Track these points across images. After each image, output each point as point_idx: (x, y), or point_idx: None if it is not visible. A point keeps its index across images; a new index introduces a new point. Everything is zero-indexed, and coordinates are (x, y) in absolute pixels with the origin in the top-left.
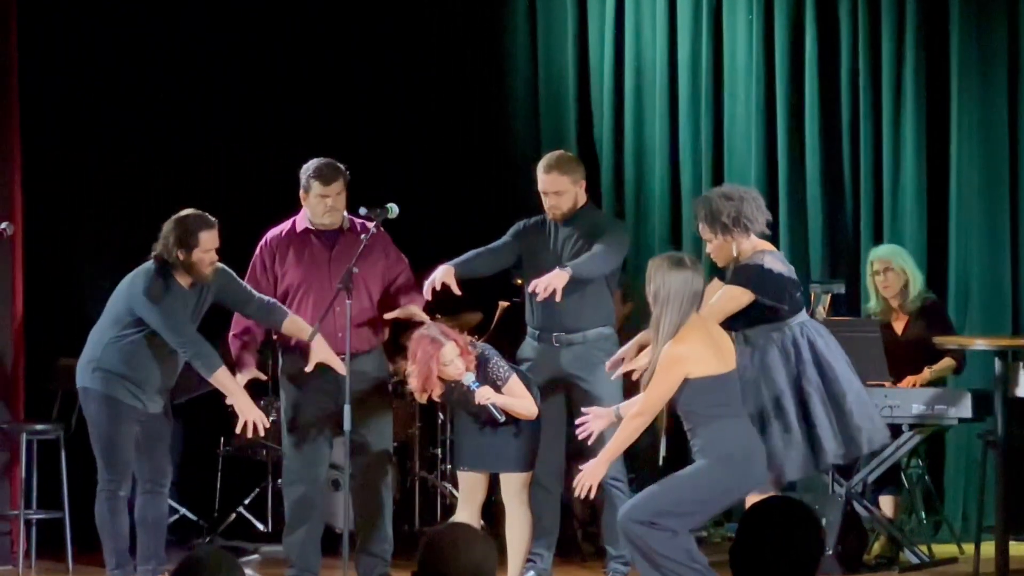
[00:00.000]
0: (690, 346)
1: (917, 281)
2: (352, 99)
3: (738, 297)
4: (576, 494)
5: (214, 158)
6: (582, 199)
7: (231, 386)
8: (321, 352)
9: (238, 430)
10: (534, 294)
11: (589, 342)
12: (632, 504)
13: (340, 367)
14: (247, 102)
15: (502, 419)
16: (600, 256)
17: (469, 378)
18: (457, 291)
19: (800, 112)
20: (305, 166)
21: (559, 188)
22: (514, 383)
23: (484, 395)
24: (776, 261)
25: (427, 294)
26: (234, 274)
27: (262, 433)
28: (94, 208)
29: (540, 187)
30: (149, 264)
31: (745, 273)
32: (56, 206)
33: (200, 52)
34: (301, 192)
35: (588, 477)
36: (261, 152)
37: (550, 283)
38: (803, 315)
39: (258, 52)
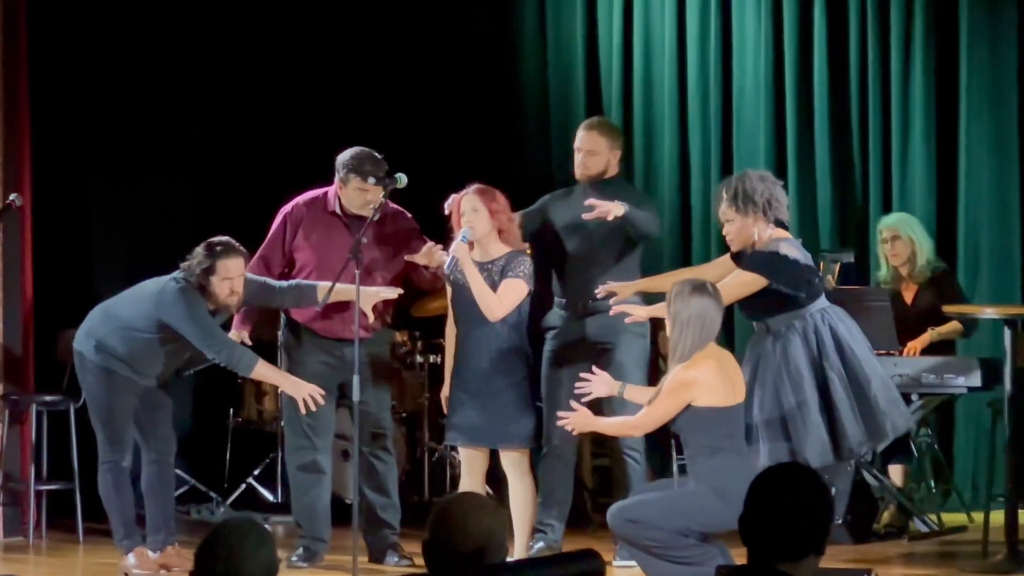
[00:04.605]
0: (700, 373)
1: (925, 249)
2: (363, 72)
3: (749, 283)
4: (560, 424)
5: (226, 132)
6: (614, 169)
7: (273, 376)
8: (365, 299)
9: (303, 410)
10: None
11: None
12: (624, 505)
13: (390, 293)
14: (259, 73)
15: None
16: (650, 217)
17: (465, 232)
18: None
19: (809, 82)
20: (344, 156)
21: (593, 147)
22: (515, 285)
23: (457, 249)
24: (792, 248)
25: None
26: (252, 277)
27: (322, 403)
28: (104, 180)
29: (576, 144)
30: (179, 280)
31: (759, 259)
32: (66, 178)
33: (211, 23)
34: (337, 180)
35: (578, 421)
36: (272, 125)
37: (608, 206)
38: (823, 301)
39: (270, 24)
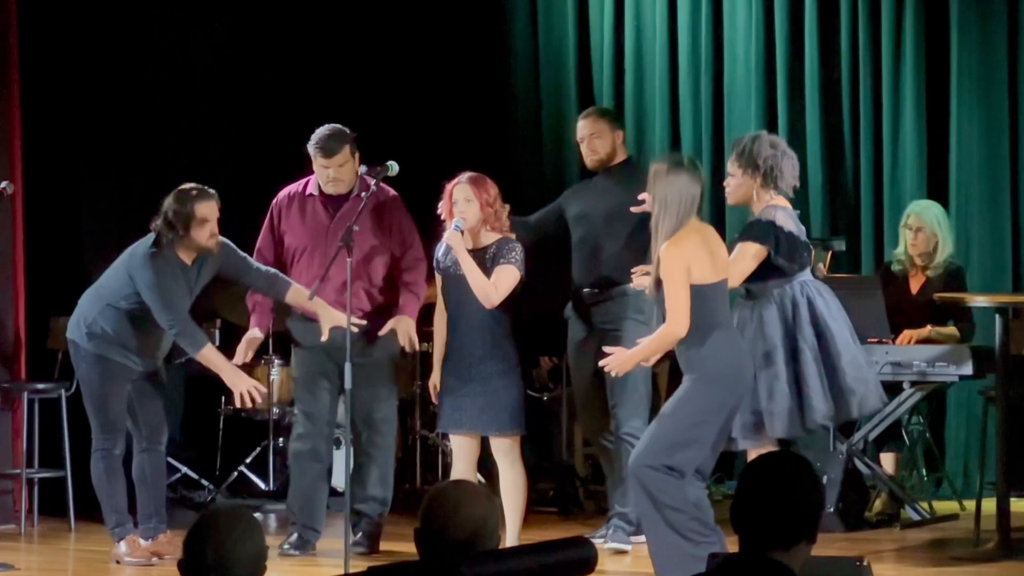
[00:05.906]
0: (687, 247)
1: (947, 247)
2: (355, 65)
3: (754, 255)
4: (606, 370)
5: (217, 118)
6: (622, 152)
7: (218, 362)
8: (327, 317)
9: (237, 403)
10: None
11: (623, 296)
12: (639, 450)
13: (346, 324)
14: (251, 61)
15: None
16: None
17: (458, 222)
18: None
19: (800, 70)
20: (313, 135)
21: (594, 130)
22: (508, 271)
23: (450, 237)
24: (788, 219)
25: None
26: (233, 246)
27: (259, 400)
28: (94, 167)
29: (578, 136)
30: (149, 239)
31: (760, 229)
32: (56, 165)
33: (204, 13)
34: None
35: (615, 362)
36: (264, 113)
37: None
38: (805, 274)
39: (262, 12)
